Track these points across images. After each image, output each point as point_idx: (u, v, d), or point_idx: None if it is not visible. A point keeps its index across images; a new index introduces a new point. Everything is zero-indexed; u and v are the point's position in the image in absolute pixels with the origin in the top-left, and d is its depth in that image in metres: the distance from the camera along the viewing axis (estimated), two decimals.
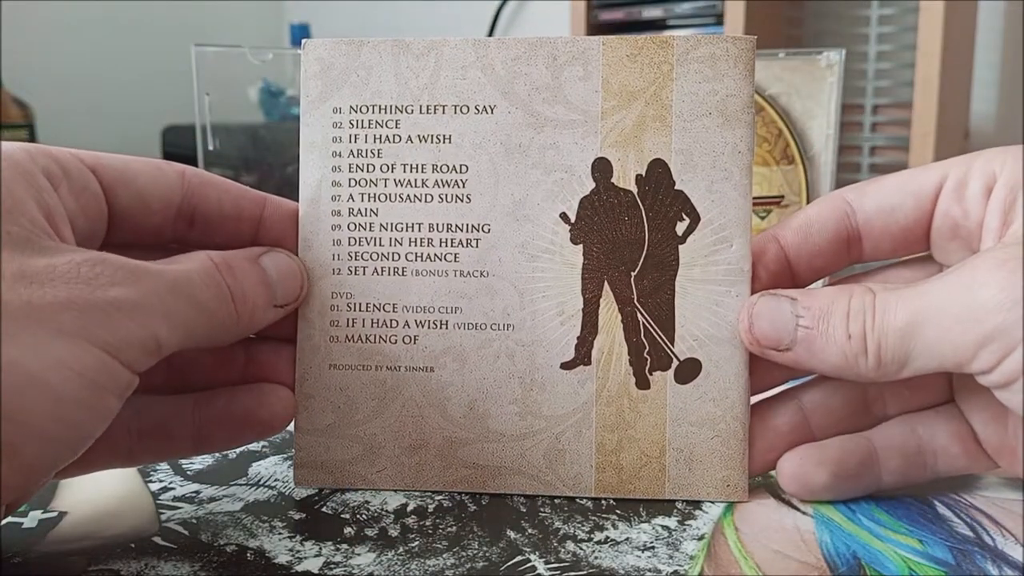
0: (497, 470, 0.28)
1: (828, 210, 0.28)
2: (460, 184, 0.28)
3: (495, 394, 0.28)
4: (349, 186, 0.29)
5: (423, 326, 0.28)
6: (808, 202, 0.42)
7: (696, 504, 0.28)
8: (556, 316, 0.28)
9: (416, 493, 0.28)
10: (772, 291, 0.27)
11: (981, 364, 0.23)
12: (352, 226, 0.28)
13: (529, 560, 0.24)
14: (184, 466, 0.31)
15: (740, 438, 0.27)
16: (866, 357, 0.24)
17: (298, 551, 0.25)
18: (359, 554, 0.25)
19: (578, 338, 0.28)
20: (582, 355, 0.28)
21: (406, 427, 0.28)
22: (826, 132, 0.42)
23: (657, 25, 1.29)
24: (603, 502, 0.28)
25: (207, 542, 0.25)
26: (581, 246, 0.28)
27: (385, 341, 0.28)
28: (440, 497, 0.28)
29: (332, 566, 0.24)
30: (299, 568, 0.24)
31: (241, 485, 0.29)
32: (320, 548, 0.25)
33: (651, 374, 0.28)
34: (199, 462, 0.31)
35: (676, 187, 0.28)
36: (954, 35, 1.10)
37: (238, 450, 0.32)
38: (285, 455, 0.32)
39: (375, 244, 0.28)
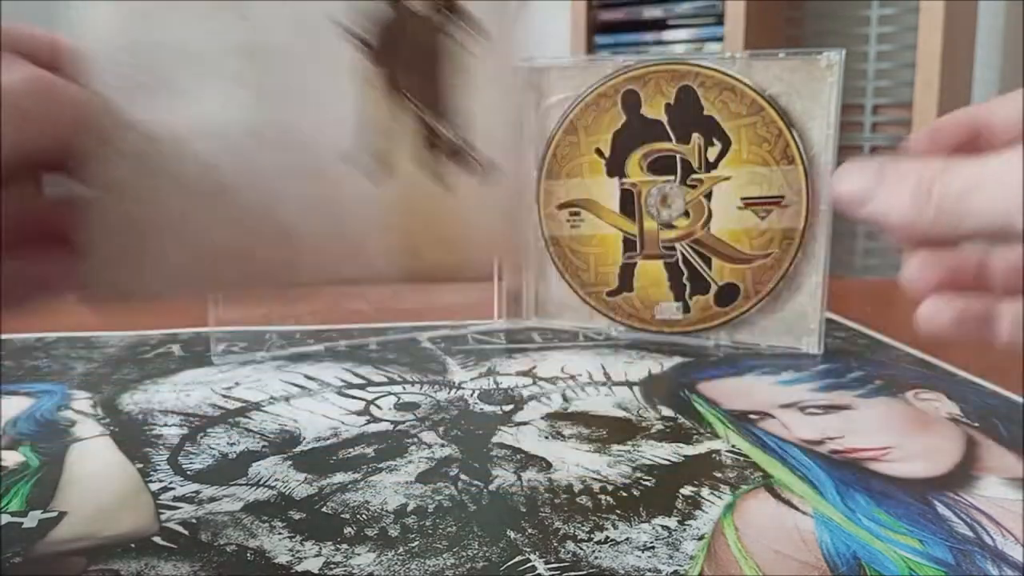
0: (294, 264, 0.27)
1: (956, 118, 0.29)
2: None
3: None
4: None
5: None
6: (808, 202, 0.43)
7: (696, 504, 0.28)
8: None
9: (416, 493, 0.28)
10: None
11: (1010, 229, 0.25)
12: None
13: (529, 560, 0.24)
14: (184, 466, 0.31)
15: None
16: (930, 213, 0.27)
17: (298, 551, 0.25)
18: (359, 554, 0.25)
19: None
20: None
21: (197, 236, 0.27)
22: (826, 132, 0.42)
23: (657, 25, 1.29)
24: (603, 501, 0.28)
25: (207, 542, 0.25)
26: None
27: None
28: (440, 497, 0.28)
29: (332, 566, 0.24)
30: (299, 568, 0.24)
31: (241, 485, 0.29)
32: (320, 548, 0.25)
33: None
34: (199, 462, 0.31)
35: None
36: (954, 35, 1.10)
37: (238, 450, 0.32)
38: (285, 455, 0.32)
39: None
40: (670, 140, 0.44)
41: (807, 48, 0.42)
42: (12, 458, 0.32)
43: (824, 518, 0.27)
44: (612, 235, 0.46)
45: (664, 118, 0.44)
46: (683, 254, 0.45)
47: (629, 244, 0.46)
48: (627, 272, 0.46)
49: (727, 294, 0.45)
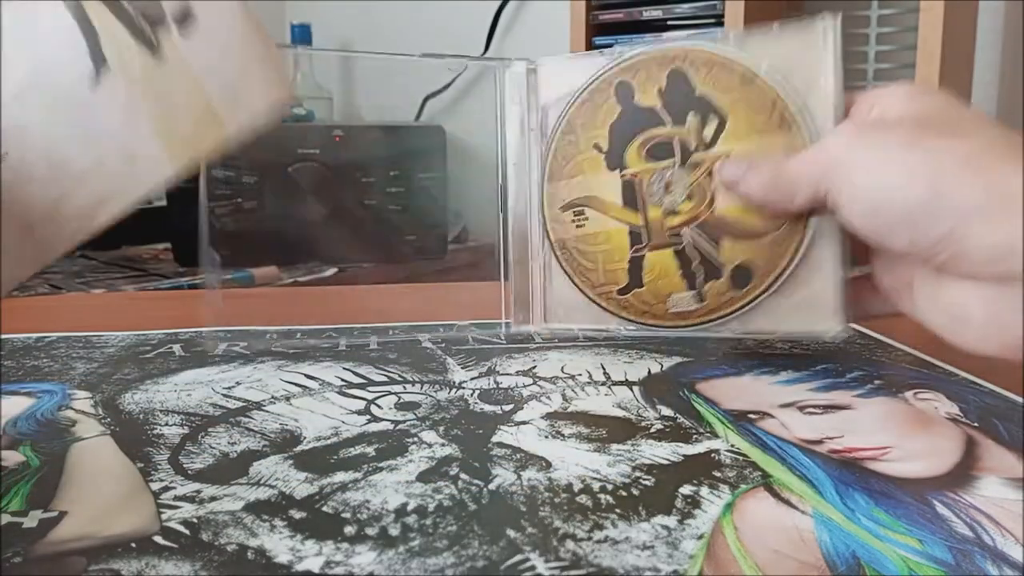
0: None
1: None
2: None
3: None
4: None
5: None
6: None
7: (695, 503, 0.28)
8: None
9: (416, 492, 0.28)
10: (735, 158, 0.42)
11: (820, 195, 0.37)
12: None
13: (529, 559, 0.24)
14: (185, 465, 0.31)
15: None
16: (775, 192, 0.39)
17: (299, 550, 0.25)
18: (359, 553, 0.25)
19: None
20: None
21: None
22: (828, 98, 0.40)
23: (657, 26, 1.29)
24: (602, 500, 0.28)
25: (208, 541, 0.25)
26: None
27: None
28: (440, 496, 0.28)
29: (333, 565, 0.24)
30: (300, 567, 0.24)
31: (242, 484, 0.29)
32: (321, 547, 0.25)
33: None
34: (200, 461, 0.31)
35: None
36: (954, 35, 1.10)
37: (239, 449, 0.32)
38: (286, 454, 0.32)
39: None
40: (665, 125, 0.43)
41: (801, 17, 0.41)
42: (12, 458, 0.32)
43: (823, 517, 0.27)
44: (618, 230, 0.44)
45: (658, 103, 0.43)
46: (692, 239, 0.43)
47: (636, 238, 0.44)
48: (636, 267, 0.44)
49: (741, 276, 0.42)
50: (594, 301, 0.45)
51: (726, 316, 0.43)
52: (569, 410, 0.37)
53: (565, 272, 0.45)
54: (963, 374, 0.41)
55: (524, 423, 0.35)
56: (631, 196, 0.44)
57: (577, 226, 0.45)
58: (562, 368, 0.43)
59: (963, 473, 0.30)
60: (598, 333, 0.48)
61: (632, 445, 0.33)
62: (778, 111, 0.41)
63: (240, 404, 0.38)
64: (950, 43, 1.09)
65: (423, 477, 0.30)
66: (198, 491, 0.29)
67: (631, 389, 0.39)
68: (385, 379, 0.41)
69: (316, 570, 0.24)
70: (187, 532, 0.26)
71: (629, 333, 0.45)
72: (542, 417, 0.36)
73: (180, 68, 0.27)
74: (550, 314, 0.47)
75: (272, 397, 0.39)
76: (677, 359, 0.44)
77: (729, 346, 0.46)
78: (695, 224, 0.43)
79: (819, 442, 0.33)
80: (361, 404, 0.38)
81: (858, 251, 0.40)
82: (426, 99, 1.74)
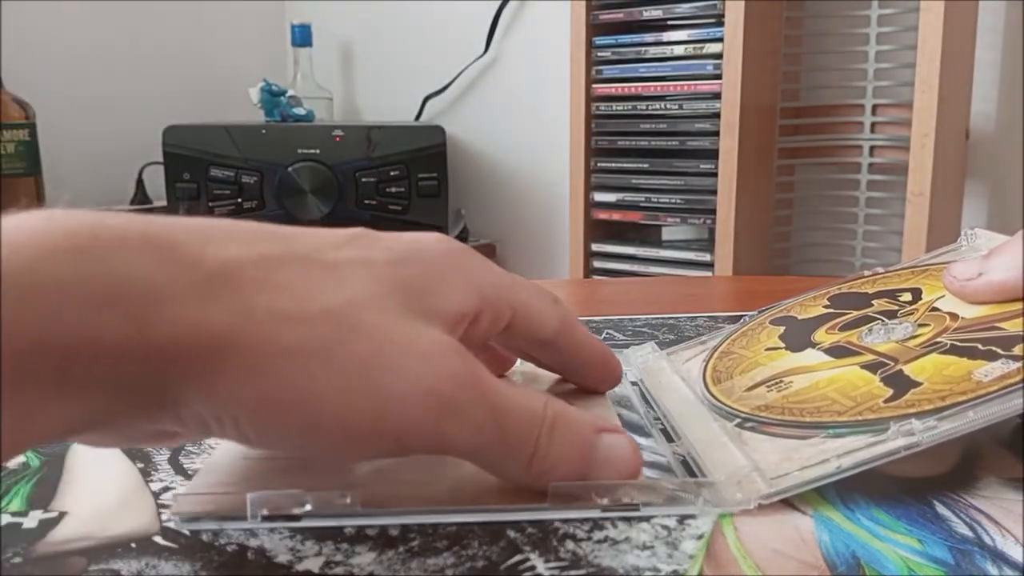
0: None
1: None
2: None
3: None
4: None
5: None
6: None
7: None
8: None
9: None
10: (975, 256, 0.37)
11: None
12: None
13: (529, 559, 0.24)
14: (185, 465, 0.31)
15: None
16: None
17: (298, 550, 0.25)
18: (359, 553, 0.25)
19: None
20: None
21: None
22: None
23: (657, 26, 1.29)
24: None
25: (208, 542, 0.25)
26: None
27: None
28: None
29: (332, 565, 0.24)
30: (300, 567, 0.24)
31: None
32: (320, 547, 0.25)
33: None
34: (199, 462, 0.31)
35: None
36: (954, 35, 1.10)
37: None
38: None
39: None
40: (848, 313, 0.39)
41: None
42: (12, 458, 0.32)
43: (823, 517, 0.27)
44: (842, 372, 0.34)
45: (829, 310, 0.39)
46: (955, 343, 0.33)
47: (874, 367, 0.34)
48: (896, 379, 0.33)
49: None
50: (853, 422, 0.32)
51: None
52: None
53: (778, 424, 0.33)
54: None
55: None
56: (842, 352, 0.36)
57: (779, 391, 0.35)
58: None
59: (963, 473, 0.30)
60: (596, 332, 0.48)
61: None
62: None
63: None
64: (950, 43, 1.09)
65: None
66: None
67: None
68: None
69: (316, 570, 0.24)
70: (187, 532, 0.26)
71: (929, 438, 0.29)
72: None
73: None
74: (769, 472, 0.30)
75: None
76: None
77: None
78: (948, 334, 0.34)
79: None
80: None
81: None
82: (426, 99, 1.74)
